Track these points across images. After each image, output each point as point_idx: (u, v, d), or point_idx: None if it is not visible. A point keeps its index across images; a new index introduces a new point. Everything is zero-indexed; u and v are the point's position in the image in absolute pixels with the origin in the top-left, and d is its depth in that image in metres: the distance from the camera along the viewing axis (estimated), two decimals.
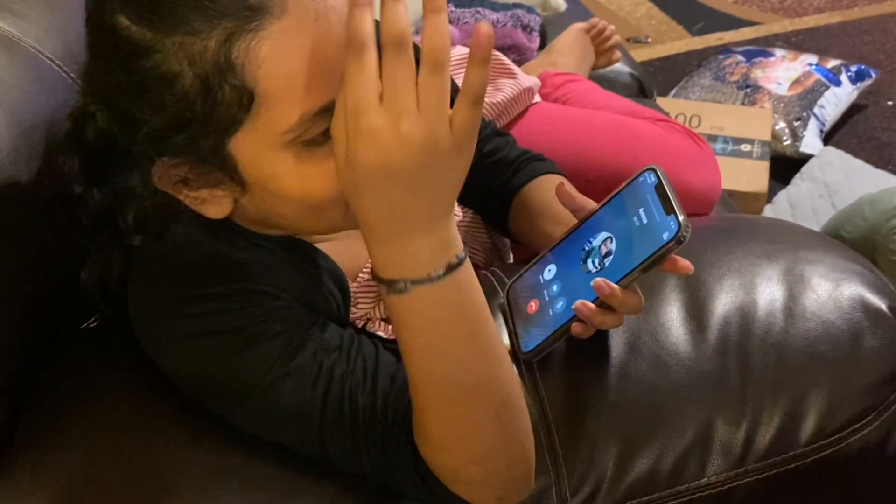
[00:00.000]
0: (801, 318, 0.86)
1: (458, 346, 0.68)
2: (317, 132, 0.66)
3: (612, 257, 0.80)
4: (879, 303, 0.88)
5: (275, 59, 0.63)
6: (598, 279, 0.77)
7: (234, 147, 0.67)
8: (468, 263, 0.67)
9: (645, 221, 0.78)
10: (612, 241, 0.80)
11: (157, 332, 0.77)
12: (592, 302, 0.78)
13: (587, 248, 0.82)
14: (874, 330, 0.86)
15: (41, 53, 0.89)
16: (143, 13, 0.64)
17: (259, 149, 0.67)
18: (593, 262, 0.81)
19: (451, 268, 0.65)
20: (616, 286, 0.77)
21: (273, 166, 0.68)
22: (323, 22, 0.64)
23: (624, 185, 0.82)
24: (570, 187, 0.85)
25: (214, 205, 0.72)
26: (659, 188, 0.79)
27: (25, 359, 0.85)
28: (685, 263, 0.78)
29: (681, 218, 0.75)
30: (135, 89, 0.66)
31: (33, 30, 0.90)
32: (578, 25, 1.65)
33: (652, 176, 0.80)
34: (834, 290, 0.88)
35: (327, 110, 0.65)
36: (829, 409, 0.83)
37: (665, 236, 0.76)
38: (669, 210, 0.77)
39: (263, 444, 0.77)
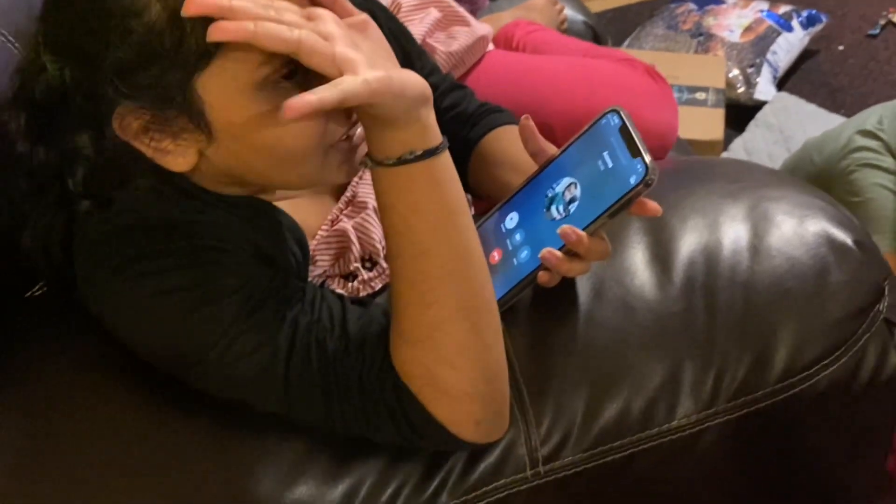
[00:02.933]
0: (766, 255, 0.84)
1: (442, 230, 0.69)
2: (283, 66, 0.65)
3: (577, 203, 0.78)
4: (844, 237, 0.87)
5: None
6: (565, 226, 0.75)
7: (202, 87, 0.65)
8: (447, 157, 0.70)
9: (610, 165, 0.76)
10: (576, 187, 0.78)
11: (106, 294, 0.74)
12: (559, 250, 0.76)
13: (550, 195, 0.80)
14: (840, 264, 0.85)
15: None
16: None
17: (230, 91, 0.65)
18: (557, 208, 0.79)
19: (429, 153, 0.68)
20: (583, 233, 0.75)
21: (243, 111, 0.66)
22: None
23: (586, 128, 0.80)
24: (534, 126, 0.82)
25: (178, 156, 0.70)
26: (623, 130, 0.76)
27: None
28: (653, 205, 0.76)
29: (648, 160, 0.73)
30: (99, 20, 0.64)
31: None
32: None
33: (615, 118, 0.78)
34: (799, 226, 0.87)
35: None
36: (797, 346, 0.82)
37: (632, 180, 0.74)
38: (635, 152, 0.75)
39: (222, 406, 0.75)
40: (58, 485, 0.74)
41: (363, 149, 0.72)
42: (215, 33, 0.61)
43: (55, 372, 0.81)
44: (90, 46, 0.65)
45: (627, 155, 0.75)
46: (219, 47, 0.63)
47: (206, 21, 0.62)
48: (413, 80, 0.67)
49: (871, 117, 1.73)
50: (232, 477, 0.74)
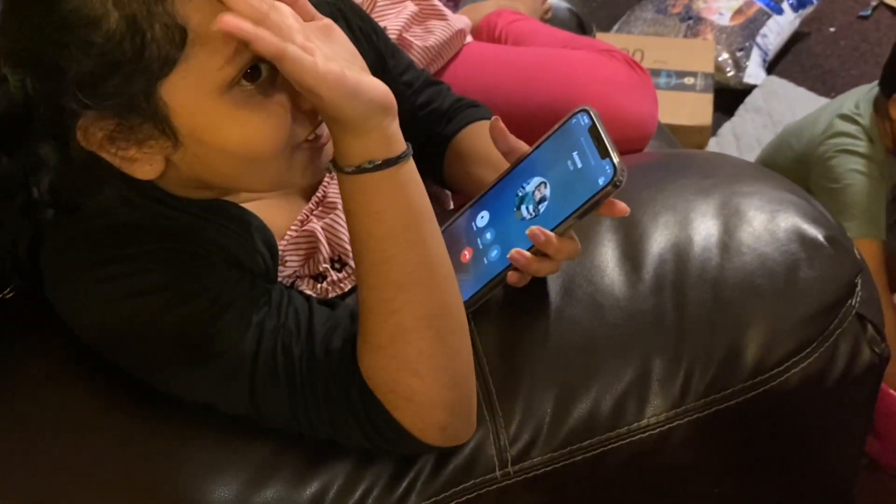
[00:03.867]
0: (736, 252, 0.84)
1: (404, 236, 0.69)
2: (247, 63, 0.64)
3: (546, 203, 0.77)
4: (816, 233, 0.86)
5: None
6: (534, 227, 0.75)
7: (167, 93, 0.65)
8: (410, 165, 0.70)
9: (579, 165, 0.76)
10: (546, 187, 0.78)
11: (73, 297, 0.74)
12: (528, 250, 0.76)
13: (520, 194, 0.80)
14: (811, 260, 0.85)
15: None
16: None
17: (195, 95, 0.65)
18: (527, 208, 0.79)
19: (389, 162, 0.68)
20: (552, 234, 0.75)
21: (208, 114, 0.66)
22: None
23: (556, 127, 0.80)
24: (503, 127, 0.82)
25: (145, 164, 0.69)
26: (593, 130, 0.76)
27: None
28: (622, 206, 0.76)
29: (616, 161, 0.73)
30: (57, 34, 0.63)
31: None
32: None
33: (585, 118, 0.77)
34: (770, 222, 0.87)
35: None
36: (767, 343, 0.82)
37: (601, 181, 0.74)
38: (604, 153, 0.74)
39: (189, 409, 0.75)
40: (24, 487, 0.74)
41: (330, 150, 0.72)
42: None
43: (25, 375, 0.81)
44: (49, 59, 0.64)
45: (597, 155, 0.75)
46: (181, 53, 0.63)
47: (167, 27, 0.62)
48: (372, 85, 0.66)
49: (847, 101, 1.72)
50: (198, 480, 0.74)
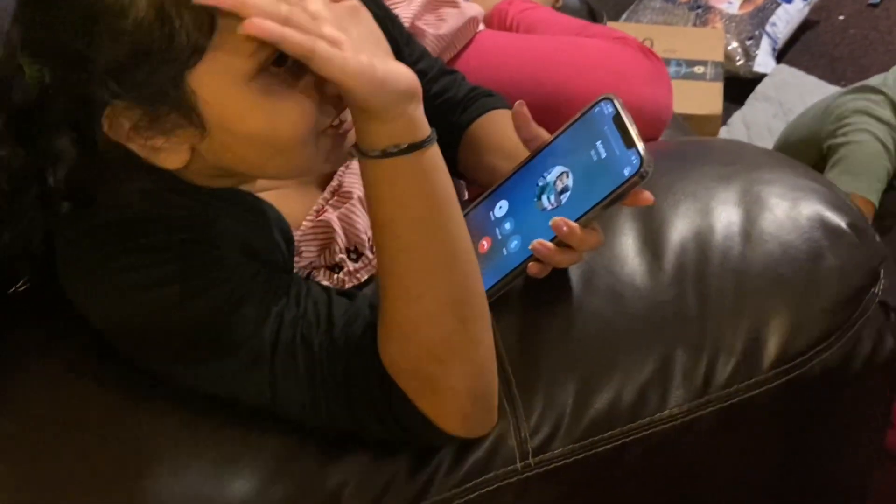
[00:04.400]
0: (759, 240, 0.83)
1: (428, 222, 0.68)
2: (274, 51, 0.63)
3: (569, 193, 0.76)
4: (839, 220, 0.85)
5: None
6: (557, 218, 0.74)
7: (195, 81, 0.64)
8: (435, 150, 0.69)
9: (604, 155, 0.75)
10: (568, 176, 0.77)
11: (89, 288, 0.73)
12: (550, 241, 0.75)
13: (541, 184, 0.78)
14: (834, 248, 0.83)
15: None
16: None
17: (223, 83, 0.64)
18: (548, 198, 0.77)
19: (414, 147, 0.67)
20: (575, 225, 0.74)
21: (237, 103, 0.65)
22: None
23: (578, 115, 0.78)
24: (527, 113, 0.81)
25: (171, 153, 0.68)
26: (617, 119, 0.75)
27: None
28: (647, 195, 0.75)
29: (642, 151, 0.72)
30: (84, 23, 0.62)
31: None
32: None
33: (609, 106, 0.76)
34: (792, 210, 0.85)
35: None
36: (790, 333, 0.81)
37: (626, 172, 0.72)
38: (630, 143, 0.73)
39: (204, 402, 0.74)
40: (35, 481, 0.74)
41: (352, 136, 0.71)
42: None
43: (40, 369, 0.80)
44: (77, 48, 0.63)
45: (622, 145, 0.74)
46: (210, 41, 0.62)
47: (195, 14, 0.61)
48: (399, 73, 0.65)
49: (874, 78, 1.72)
50: (215, 474, 0.73)
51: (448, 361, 0.70)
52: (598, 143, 0.75)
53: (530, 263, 0.77)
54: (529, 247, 0.76)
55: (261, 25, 0.59)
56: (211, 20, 0.61)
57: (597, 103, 0.77)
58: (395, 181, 0.68)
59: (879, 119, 1.67)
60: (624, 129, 0.74)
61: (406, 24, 1.16)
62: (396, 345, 0.71)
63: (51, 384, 0.79)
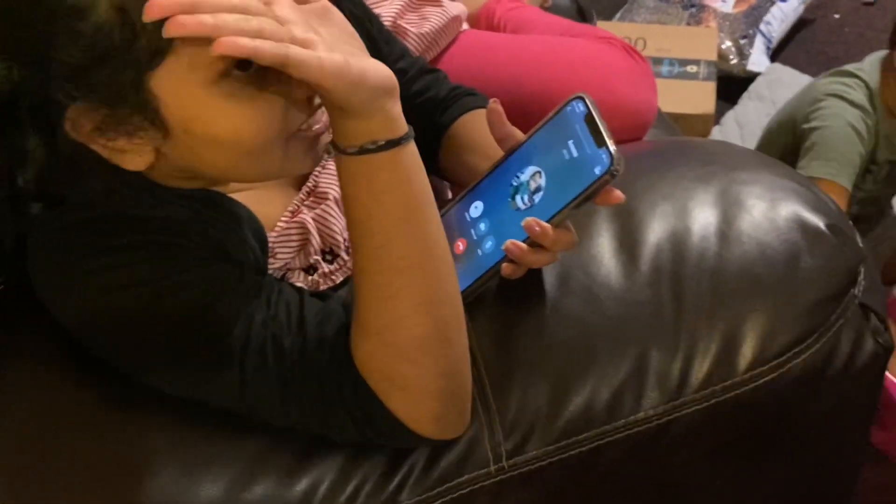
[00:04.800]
0: (736, 241, 0.83)
1: (405, 220, 0.68)
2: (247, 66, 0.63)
3: (541, 193, 0.76)
4: (817, 221, 0.85)
5: None
6: (529, 219, 0.74)
7: (156, 84, 0.63)
8: (412, 147, 0.68)
9: (575, 154, 0.74)
10: (541, 176, 0.76)
11: (59, 290, 0.73)
12: (524, 241, 0.75)
13: (515, 184, 0.78)
14: (812, 249, 0.83)
15: None
16: None
17: (184, 86, 0.63)
18: (522, 198, 0.77)
19: (392, 143, 0.66)
20: (547, 225, 0.74)
21: (200, 106, 0.64)
22: None
23: (551, 115, 0.78)
24: (501, 111, 0.80)
25: (134, 155, 0.68)
26: (588, 118, 0.74)
27: None
28: (617, 194, 0.75)
29: (612, 150, 0.72)
30: (44, 24, 0.61)
31: None
32: None
33: (580, 105, 0.75)
34: (770, 211, 0.85)
35: None
36: (767, 334, 0.80)
37: (597, 170, 0.72)
38: (601, 142, 0.73)
39: (176, 404, 0.74)
40: (8, 484, 0.73)
41: (327, 136, 0.70)
42: (172, 28, 0.59)
43: (15, 371, 0.80)
44: (35, 48, 0.62)
45: (593, 144, 0.73)
46: (171, 44, 0.61)
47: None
48: (375, 70, 0.65)
49: (850, 65, 1.75)
50: (185, 478, 0.73)
51: (419, 362, 0.70)
52: (570, 143, 0.75)
53: (504, 264, 0.76)
54: (502, 247, 0.75)
55: (233, 44, 0.59)
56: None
57: (569, 102, 0.76)
58: (371, 178, 0.67)
59: (852, 103, 1.66)
60: (595, 128, 0.73)
61: (388, 23, 1.15)
62: (368, 344, 0.70)
63: (28, 385, 0.79)
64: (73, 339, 0.74)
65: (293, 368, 0.71)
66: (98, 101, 0.64)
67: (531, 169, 0.77)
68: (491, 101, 0.80)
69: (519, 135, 0.80)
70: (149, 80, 0.63)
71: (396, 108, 0.67)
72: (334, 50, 0.63)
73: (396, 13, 1.18)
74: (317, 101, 0.69)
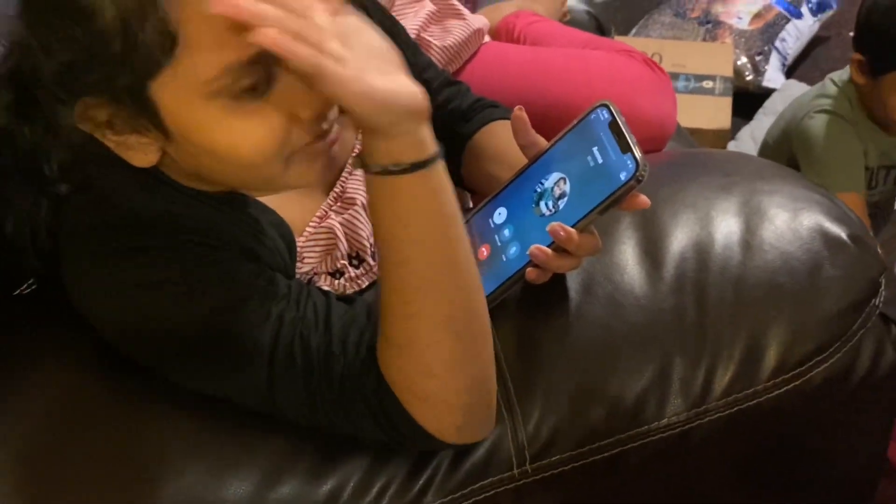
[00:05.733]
0: (758, 250, 0.83)
1: (412, 240, 0.68)
2: (245, 84, 0.63)
3: (566, 199, 0.77)
4: (839, 231, 0.85)
5: (201, 1, 0.59)
6: (554, 224, 0.75)
7: (155, 92, 0.64)
8: (439, 169, 0.67)
9: (600, 161, 0.75)
10: (565, 182, 0.77)
11: (89, 289, 0.74)
12: (548, 246, 0.75)
13: (539, 190, 0.79)
14: (834, 259, 0.84)
15: None
16: None
17: (182, 96, 0.64)
18: (546, 204, 0.78)
19: (417, 166, 0.65)
20: (572, 230, 0.74)
21: (197, 117, 0.65)
22: None
23: (575, 122, 0.79)
24: (525, 118, 0.81)
25: (140, 152, 0.69)
26: (613, 125, 0.75)
27: None
28: (643, 198, 0.75)
29: (638, 156, 0.73)
30: (53, 15, 0.63)
31: None
32: None
33: (605, 112, 0.77)
34: (792, 221, 0.86)
35: (257, 62, 0.62)
36: (790, 343, 0.81)
37: (623, 176, 0.73)
38: (625, 148, 0.74)
39: (203, 403, 0.75)
40: (31, 482, 0.74)
41: (346, 148, 0.71)
42: (214, 2, 0.58)
43: (48, 370, 0.81)
44: (45, 38, 0.64)
45: (617, 150, 0.74)
46: (170, 57, 0.62)
47: (159, 31, 0.61)
48: (406, 92, 0.64)
49: (834, 73, 1.77)
50: (212, 477, 0.73)
51: (443, 377, 0.70)
52: (595, 149, 0.76)
53: (529, 269, 0.77)
54: (527, 252, 0.76)
55: (272, 37, 0.58)
56: (173, 40, 0.61)
57: (593, 110, 0.77)
58: (396, 198, 0.67)
59: (836, 113, 1.69)
60: (620, 135, 0.74)
61: (412, 35, 1.17)
62: (392, 356, 0.71)
63: (58, 386, 0.79)
64: (99, 337, 0.75)
65: (319, 368, 0.71)
66: (103, 98, 0.65)
67: (555, 175, 0.78)
68: (516, 108, 0.81)
69: (543, 142, 0.81)
70: (148, 86, 0.63)
71: (424, 130, 0.66)
72: (365, 69, 0.62)
73: (420, 25, 1.19)
74: (327, 121, 0.69)
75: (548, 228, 0.75)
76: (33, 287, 0.87)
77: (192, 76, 0.62)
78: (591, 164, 0.76)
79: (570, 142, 0.79)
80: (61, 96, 0.66)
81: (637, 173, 0.72)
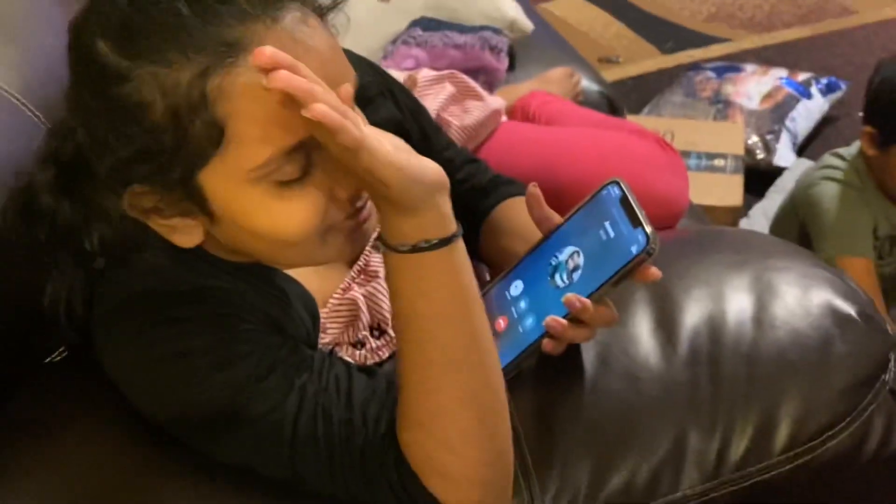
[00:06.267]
0: (770, 326, 0.85)
1: (449, 317, 0.70)
2: (288, 171, 0.67)
3: (580, 271, 0.79)
4: (849, 308, 0.87)
5: (247, 96, 0.63)
6: (569, 294, 0.77)
7: (203, 179, 0.67)
8: (461, 245, 0.70)
9: (612, 235, 0.78)
10: (579, 256, 0.80)
11: (122, 358, 0.76)
12: (564, 317, 0.78)
13: (554, 263, 0.82)
14: (844, 336, 0.85)
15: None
16: (121, 41, 0.65)
17: (228, 183, 0.67)
18: (561, 277, 0.80)
19: (444, 242, 0.68)
20: (587, 301, 0.77)
21: (242, 201, 0.68)
22: (300, 58, 0.63)
23: (587, 199, 0.82)
24: (539, 194, 0.84)
25: (185, 234, 0.72)
26: (623, 201, 0.78)
27: None
28: (654, 270, 0.78)
29: (648, 230, 0.75)
30: (107, 115, 0.66)
31: None
32: (567, 68, 1.71)
33: (616, 189, 0.80)
34: (803, 298, 0.88)
35: (299, 149, 0.66)
36: (801, 417, 0.82)
37: (634, 249, 0.76)
38: (636, 222, 0.76)
39: (229, 473, 0.76)
40: None
41: (370, 225, 0.73)
42: (273, 79, 0.61)
43: (76, 437, 0.82)
44: (101, 138, 0.67)
45: (629, 225, 0.77)
46: (217, 149, 0.65)
47: (207, 123, 0.64)
48: (431, 167, 0.68)
49: (841, 149, 1.83)
50: None
51: (463, 453, 0.71)
52: (607, 224, 0.79)
53: (545, 340, 0.79)
54: (543, 323, 0.79)
55: (325, 111, 0.61)
56: (220, 132, 0.64)
57: (604, 187, 0.81)
58: (420, 275, 0.69)
59: (843, 182, 1.73)
60: (630, 210, 0.77)
61: (432, 116, 1.21)
62: (411, 433, 0.72)
63: (88, 445, 0.80)
64: (130, 406, 0.77)
65: (340, 441, 0.73)
66: (152, 186, 0.68)
67: (569, 249, 0.81)
68: (530, 185, 0.84)
69: (556, 217, 0.84)
70: (196, 175, 0.67)
71: (447, 205, 0.69)
72: (395, 147, 0.66)
73: (440, 106, 1.24)
74: (361, 199, 0.72)
75: (563, 300, 0.77)
76: (64, 354, 0.90)
77: (239, 165, 0.66)
78: (604, 238, 0.79)
79: (583, 217, 0.82)
80: (112, 186, 0.69)
81: (648, 246, 0.75)
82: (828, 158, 1.81)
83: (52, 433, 0.82)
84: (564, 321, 0.77)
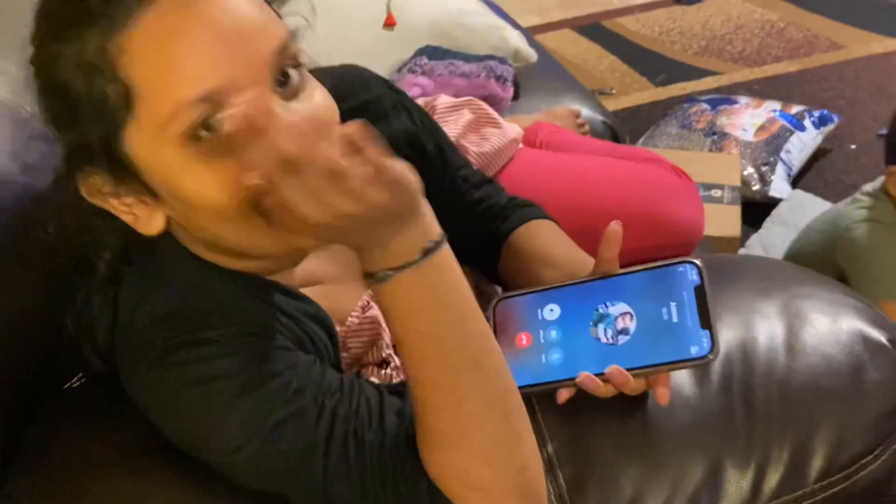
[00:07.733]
0: (802, 353, 0.85)
1: (445, 330, 0.69)
2: (201, 126, 0.66)
3: (628, 338, 0.77)
4: (879, 336, 0.87)
5: (145, 49, 0.65)
6: (615, 368, 0.75)
7: (127, 146, 0.68)
8: (447, 248, 0.69)
9: (675, 320, 0.76)
10: (631, 319, 0.77)
11: (146, 382, 0.74)
12: (597, 375, 0.76)
13: (602, 312, 0.79)
14: (876, 363, 0.85)
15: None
16: (40, 29, 0.70)
17: (149, 147, 0.68)
18: (605, 330, 0.78)
19: (427, 252, 0.67)
20: (630, 376, 0.75)
21: (165, 166, 0.68)
22: (195, 8, 0.65)
23: (659, 264, 0.79)
24: (620, 232, 0.81)
25: (147, 220, 0.73)
26: (699, 291, 0.76)
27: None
28: (665, 393, 0.78)
29: (716, 338, 0.74)
30: (48, 102, 0.70)
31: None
32: (573, 108, 1.72)
33: (694, 273, 0.77)
34: (833, 325, 0.88)
35: (206, 100, 0.65)
36: (836, 445, 0.82)
37: (694, 351, 0.74)
38: (706, 324, 0.74)
39: (260, 498, 0.74)
40: None
41: None
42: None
43: (95, 463, 0.81)
44: (52, 123, 0.72)
45: (696, 321, 0.75)
46: (131, 108, 0.66)
47: (114, 84, 0.66)
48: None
49: (867, 186, 1.83)
50: None
51: (497, 462, 0.70)
52: (673, 305, 0.76)
53: (562, 390, 0.78)
54: (577, 380, 0.76)
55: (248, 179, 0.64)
56: (127, 90, 0.66)
57: (682, 262, 0.78)
58: (418, 292, 0.68)
59: (878, 221, 1.73)
60: (703, 305, 0.75)
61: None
62: (443, 454, 0.71)
63: (105, 476, 0.79)
64: (154, 428, 0.75)
65: (373, 465, 0.72)
66: (92, 165, 0.69)
67: (622, 306, 0.78)
68: (613, 222, 0.81)
69: (616, 264, 0.81)
70: (120, 144, 0.68)
71: (407, 228, 0.67)
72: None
73: (459, 133, 1.24)
74: None
75: (608, 371, 0.75)
76: (82, 380, 0.88)
77: (151, 123, 0.66)
78: (665, 317, 0.76)
79: (648, 281, 0.79)
80: (69, 169, 0.71)
81: (709, 355, 0.73)
82: (860, 198, 1.81)
83: (68, 467, 0.80)
84: (600, 382, 0.76)
